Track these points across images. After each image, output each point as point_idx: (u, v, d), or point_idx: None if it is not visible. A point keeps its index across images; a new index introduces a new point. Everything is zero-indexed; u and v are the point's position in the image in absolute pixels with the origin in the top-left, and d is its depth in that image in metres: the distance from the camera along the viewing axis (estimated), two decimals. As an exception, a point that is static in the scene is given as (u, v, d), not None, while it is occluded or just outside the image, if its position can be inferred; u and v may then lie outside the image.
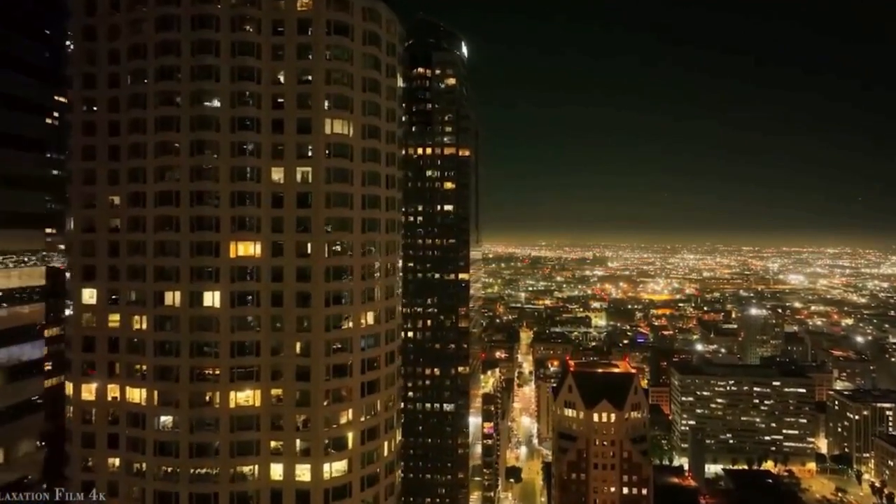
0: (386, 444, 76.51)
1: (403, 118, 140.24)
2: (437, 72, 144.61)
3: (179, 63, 68.41)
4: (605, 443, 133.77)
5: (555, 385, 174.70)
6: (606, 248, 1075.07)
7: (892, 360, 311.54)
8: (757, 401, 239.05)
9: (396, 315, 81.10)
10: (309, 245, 69.67)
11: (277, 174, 69.72)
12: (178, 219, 68.26)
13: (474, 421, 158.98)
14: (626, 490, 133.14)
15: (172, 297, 68.37)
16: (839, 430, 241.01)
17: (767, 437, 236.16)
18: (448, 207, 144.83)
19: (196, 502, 67.02)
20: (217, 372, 67.92)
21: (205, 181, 68.20)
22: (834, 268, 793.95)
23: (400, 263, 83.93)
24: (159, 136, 68.90)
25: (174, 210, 68.31)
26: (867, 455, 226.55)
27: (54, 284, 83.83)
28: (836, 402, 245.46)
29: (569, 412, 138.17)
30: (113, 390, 70.55)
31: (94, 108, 71.67)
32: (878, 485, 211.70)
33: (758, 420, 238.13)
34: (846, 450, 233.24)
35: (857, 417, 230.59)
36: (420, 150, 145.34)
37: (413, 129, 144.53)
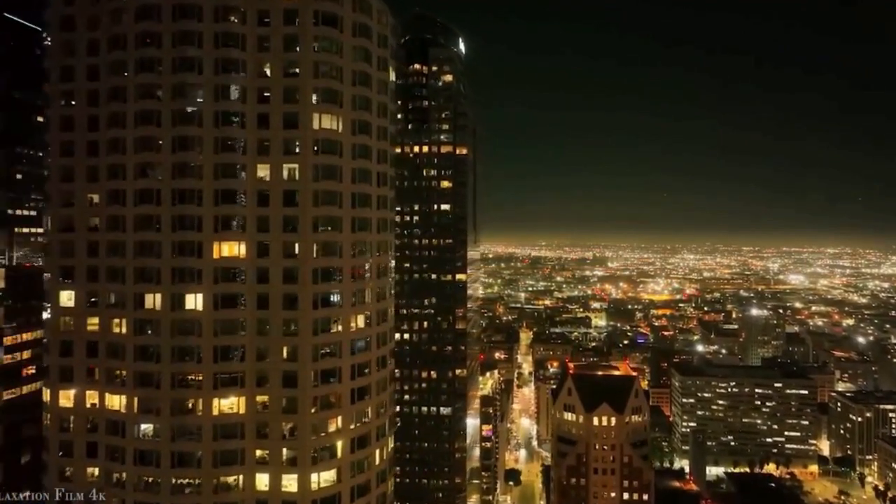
0: (377, 451, 73.56)
1: (399, 115, 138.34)
2: (434, 68, 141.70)
3: (160, 55, 65.46)
4: (605, 447, 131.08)
5: (554, 386, 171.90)
6: (606, 248, 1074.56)
7: (894, 360, 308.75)
8: (758, 402, 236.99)
9: (389, 318, 78.10)
10: (296, 245, 66.71)
11: (263, 171, 66.73)
12: (159, 218, 65.33)
13: (472, 423, 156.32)
14: (626, 496, 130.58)
15: (153, 300, 65.36)
16: (841, 431, 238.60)
17: (769, 439, 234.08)
18: (445, 207, 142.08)
19: (178, 514, 64.11)
20: (200, 378, 64.91)
21: (187, 178, 65.15)
22: (834, 268, 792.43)
23: (392, 264, 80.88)
24: (139, 131, 65.96)
25: (155, 209, 65.34)
26: (870, 457, 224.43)
27: (30, 286, 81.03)
28: (839, 404, 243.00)
29: (568, 416, 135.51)
30: (92, 397, 67.60)
31: (73, 103, 68.73)
32: (881, 488, 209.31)
33: (759, 422, 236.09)
34: (849, 452, 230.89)
35: (859, 419, 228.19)
36: (416, 149, 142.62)
37: (409, 126, 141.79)
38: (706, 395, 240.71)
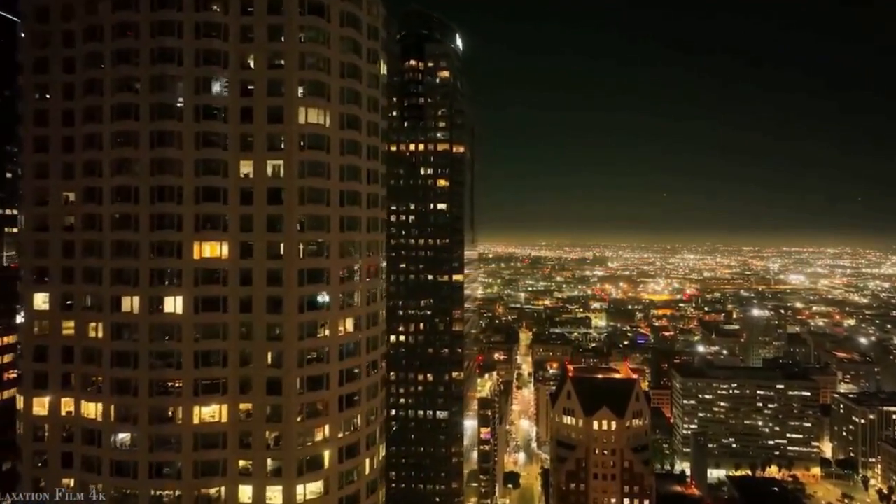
0: (367, 461, 70.51)
1: (394, 112, 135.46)
2: (430, 64, 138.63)
3: (138, 46, 62.52)
4: (605, 452, 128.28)
5: (554, 387, 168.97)
6: (606, 248, 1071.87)
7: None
8: (760, 404, 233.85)
9: (380, 321, 75.02)
10: (281, 245, 63.68)
11: (246, 168, 63.73)
12: (137, 216, 62.35)
13: (471, 426, 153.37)
14: (626, 501, 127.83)
15: (130, 303, 62.32)
16: (844, 434, 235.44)
17: (771, 442, 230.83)
18: (441, 206, 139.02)
19: (156, 528, 61.10)
20: (179, 385, 61.94)
21: (166, 175, 62.17)
22: (834, 268, 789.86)
23: (384, 265, 77.86)
24: (116, 126, 63.00)
25: (133, 207, 62.41)
26: (873, 460, 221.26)
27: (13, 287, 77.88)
28: (841, 406, 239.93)
29: (567, 420, 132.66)
30: (67, 404, 64.69)
31: (47, 96, 65.78)
32: (885, 491, 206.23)
33: (761, 424, 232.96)
34: (852, 454, 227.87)
35: (862, 421, 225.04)
36: (412, 146, 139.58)
37: (405, 123, 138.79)
38: (707, 396, 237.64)
